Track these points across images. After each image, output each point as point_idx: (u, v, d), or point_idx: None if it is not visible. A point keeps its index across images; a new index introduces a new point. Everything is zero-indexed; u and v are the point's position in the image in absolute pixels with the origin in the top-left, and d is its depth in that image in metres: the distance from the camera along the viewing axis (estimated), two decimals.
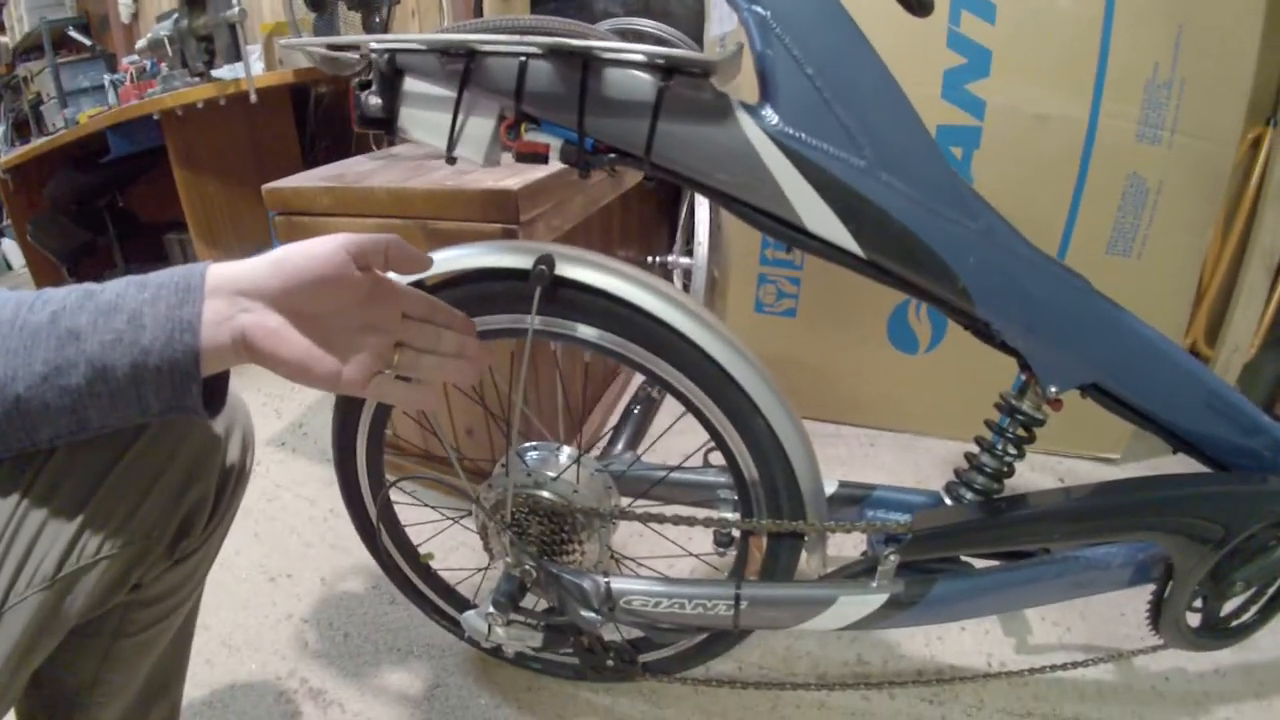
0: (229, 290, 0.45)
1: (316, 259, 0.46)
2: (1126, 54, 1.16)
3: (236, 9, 1.87)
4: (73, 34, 2.83)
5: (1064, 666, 0.85)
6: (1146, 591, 0.77)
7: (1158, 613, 0.76)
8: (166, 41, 1.98)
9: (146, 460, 0.52)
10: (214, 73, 1.98)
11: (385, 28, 1.51)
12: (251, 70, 1.86)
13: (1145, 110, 1.19)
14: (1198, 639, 0.79)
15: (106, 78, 2.58)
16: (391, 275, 0.54)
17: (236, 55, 1.91)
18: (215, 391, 0.49)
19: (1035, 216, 1.25)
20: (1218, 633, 0.80)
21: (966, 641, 1.02)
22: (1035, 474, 1.40)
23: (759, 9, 0.53)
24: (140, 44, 2.11)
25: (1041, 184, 1.24)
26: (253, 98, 1.83)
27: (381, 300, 0.51)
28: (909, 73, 1.16)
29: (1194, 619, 0.78)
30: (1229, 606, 0.79)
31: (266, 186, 1.16)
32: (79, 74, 2.67)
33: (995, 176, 1.24)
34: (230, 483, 0.61)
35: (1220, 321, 1.49)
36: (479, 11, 2.07)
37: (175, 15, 1.97)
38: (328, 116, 2.37)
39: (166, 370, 0.43)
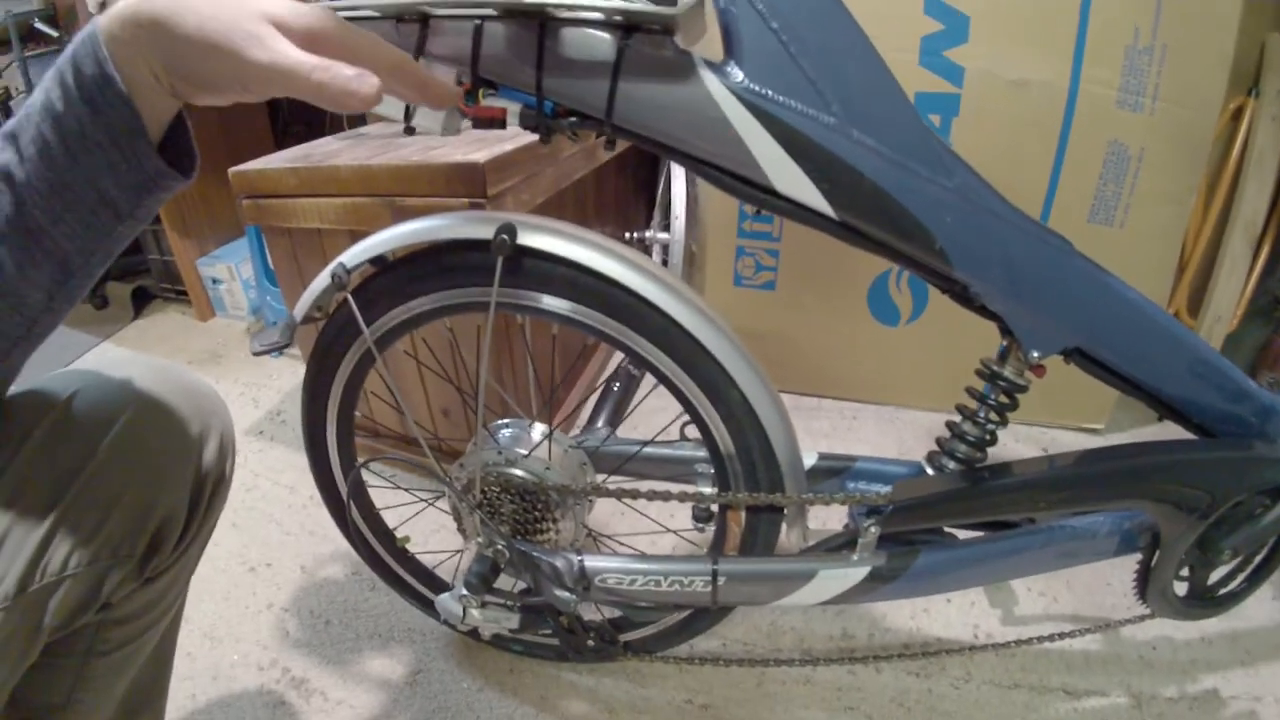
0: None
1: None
2: (1106, 19, 1.14)
3: None
4: (39, 26, 2.76)
5: (1051, 637, 0.84)
6: (1132, 561, 0.76)
7: (1145, 582, 0.76)
8: None
9: (111, 471, 0.50)
10: None
11: None
12: None
13: (1126, 76, 1.17)
14: (1185, 608, 0.79)
15: None
16: None
17: None
18: (181, 153, 0.44)
19: (1016, 184, 1.22)
20: (1205, 601, 0.79)
21: (952, 614, 1.02)
22: (1019, 444, 1.40)
23: None
24: None
25: (1022, 151, 1.23)
26: None
27: None
28: (886, 39, 1.14)
29: (1181, 588, 0.78)
30: (1216, 575, 0.79)
31: (233, 170, 1.13)
32: (47, 67, 2.58)
33: (975, 144, 1.22)
34: (206, 492, 0.57)
35: (1203, 291, 1.49)
36: None
37: None
38: (301, 101, 2.32)
39: (103, 123, 0.38)
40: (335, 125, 1.84)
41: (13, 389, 0.50)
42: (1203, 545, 0.72)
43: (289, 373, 1.75)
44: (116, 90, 0.38)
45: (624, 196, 1.79)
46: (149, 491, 0.52)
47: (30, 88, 2.54)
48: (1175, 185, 1.25)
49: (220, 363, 1.87)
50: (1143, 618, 0.82)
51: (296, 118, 2.32)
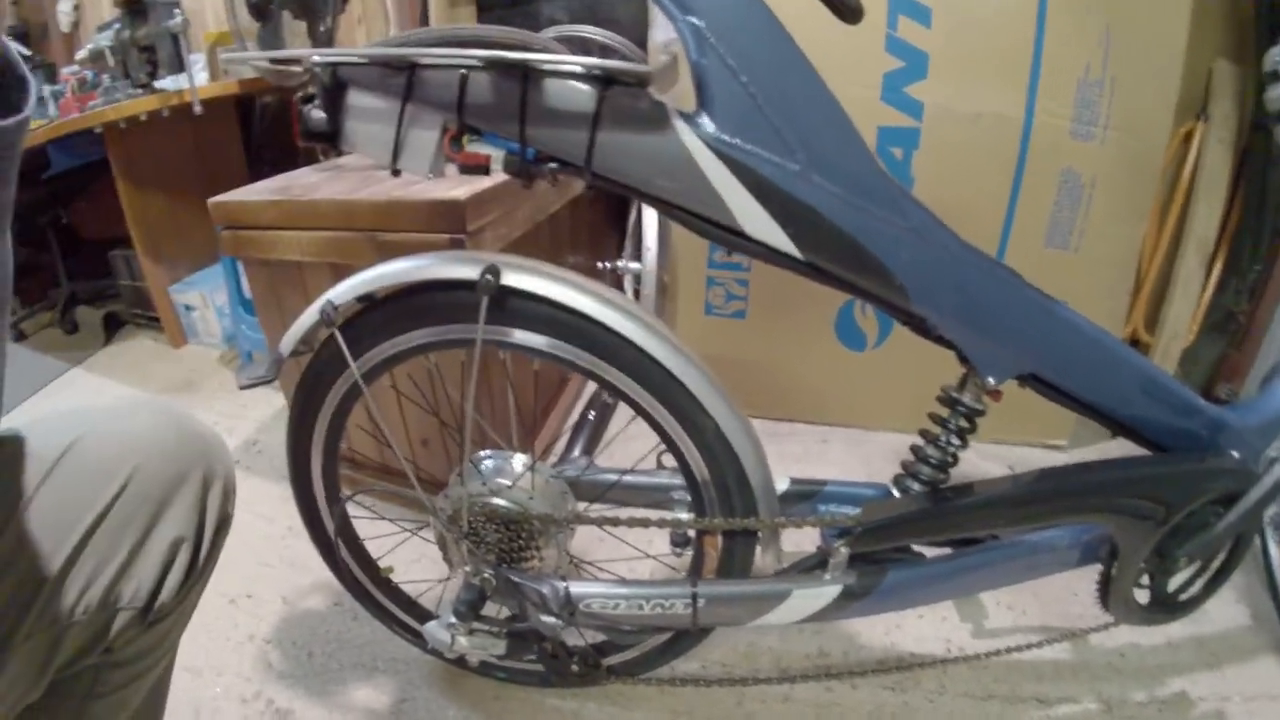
0: None
1: None
2: (1059, 54, 1.21)
3: (179, 19, 1.83)
4: None
5: (1021, 648, 0.86)
6: (1096, 571, 0.79)
7: (1106, 591, 0.79)
8: (108, 52, 1.93)
9: (120, 517, 0.51)
10: (157, 84, 1.93)
11: (330, 37, 1.49)
12: (195, 81, 1.82)
13: (1078, 108, 1.23)
14: (1148, 614, 0.82)
15: (46, 89, 2.48)
16: None
17: (180, 66, 1.87)
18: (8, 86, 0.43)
19: (975, 213, 1.29)
20: (1167, 607, 0.82)
21: (925, 628, 1.05)
22: (985, 462, 1.44)
23: (694, 20, 0.55)
24: (80, 54, 2.05)
25: (980, 181, 1.28)
26: (197, 109, 1.79)
27: None
28: (849, 76, 1.22)
29: (1143, 595, 0.80)
30: (1175, 582, 0.81)
31: (212, 201, 1.14)
32: None
33: (935, 175, 1.28)
34: (209, 535, 0.58)
35: (1159, 309, 1.55)
36: (424, 19, 2.06)
37: (117, 25, 1.92)
38: (273, 126, 2.33)
39: None
40: (309, 154, 1.85)
41: (13, 427, 0.51)
42: (1160, 554, 0.75)
43: (264, 403, 1.74)
44: None
45: (597, 227, 1.82)
46: (156, 538, 0.53)
47: None
48: (1127, 210, 1.31)
49: (194, 391, 1.85)
50: (1109, 625, 0.84)
51: (269, 143, 2.32)
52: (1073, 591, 1.10)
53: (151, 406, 0.59)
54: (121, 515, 0.51)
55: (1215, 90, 1.46)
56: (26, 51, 2.74)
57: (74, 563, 0.49)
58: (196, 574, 0.58)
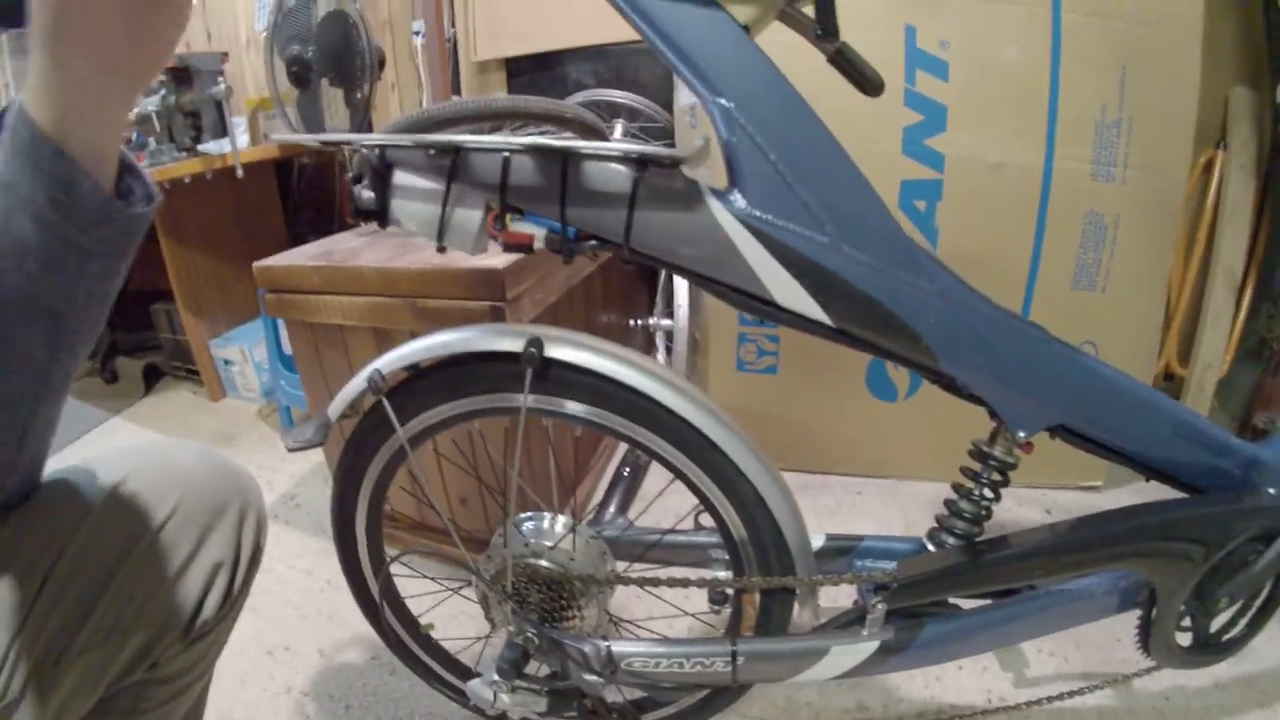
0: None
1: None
2: (1075, 98, 1.23)
3: (223, 86, 1.92)
4: None
5: (1061, 696, 0.86)
6: (1137, 615, 0.78)
7: (1147, 635, 0.78)
8: (154, 117, 2.03)
9: (166, 544, 0.56)
10: (200, 147, 2.02)
11: (367, 103, 1.56)
12: (237, 145, 1.91)
13: (1097, 149, 1.25)
14: (1190, 656, 0.80)
15: None
16: None
17: (223, 130, 1.96)
18: (132, 178, 0.49)
19: (1000, 260, 1.30)
20: (1210, 648, 0.81)
21: (965, 680, 1.03)
22: (1022, 508, 1.42)
23: (723, 101, 0.58)
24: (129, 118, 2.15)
25: (1004, 229, 1.30)
26: (239, 173, 1.88)
27: None
28: (870, 132, 1.25)
29: (1185, 638, 0.79)
30: (1218, 622, 0.80)
31: (257, 265, 1.19)
32: None
33: (959, 225, 1.30)
34: (245, 560, 0.63)
35: (1191, 342, 1.54)
36: (456, 86, 2.14)
37: (162, 91, 2.02)
38: (311, 187, 2.42)
39: (44, 180, 0.42)
40: (345, 214, 1.92)
41: (69, 465, 0.57)
42: (1200, 595, 0.74)
43: (301, 458, 1.77)
44: (48, 144, 0.41)
45: (628, 285, 1.85)
46: (199, 561, 0.58)
47: None
48: (1152, 246, 1.31)
49: (233, 444, 1.90)
50: (1153, 669, 0.83)
51: (307, 204, 2.41)
52: (1115, 637, 1.08)
53: (192, 446, 0.64)
54: (169, 539, 0.56)
55: (1233, 117, 1.47)
56: None
57: (125, 582, 0.54)
58: (233, 598, 0.62)
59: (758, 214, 0.58)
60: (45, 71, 0.41)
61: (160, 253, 1.99)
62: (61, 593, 0.52)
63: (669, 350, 1.39)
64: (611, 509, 0.88)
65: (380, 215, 0.66)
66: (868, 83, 0.62)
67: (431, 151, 0.62)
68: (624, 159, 0.58)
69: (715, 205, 0.58)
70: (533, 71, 2.00)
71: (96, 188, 0.44)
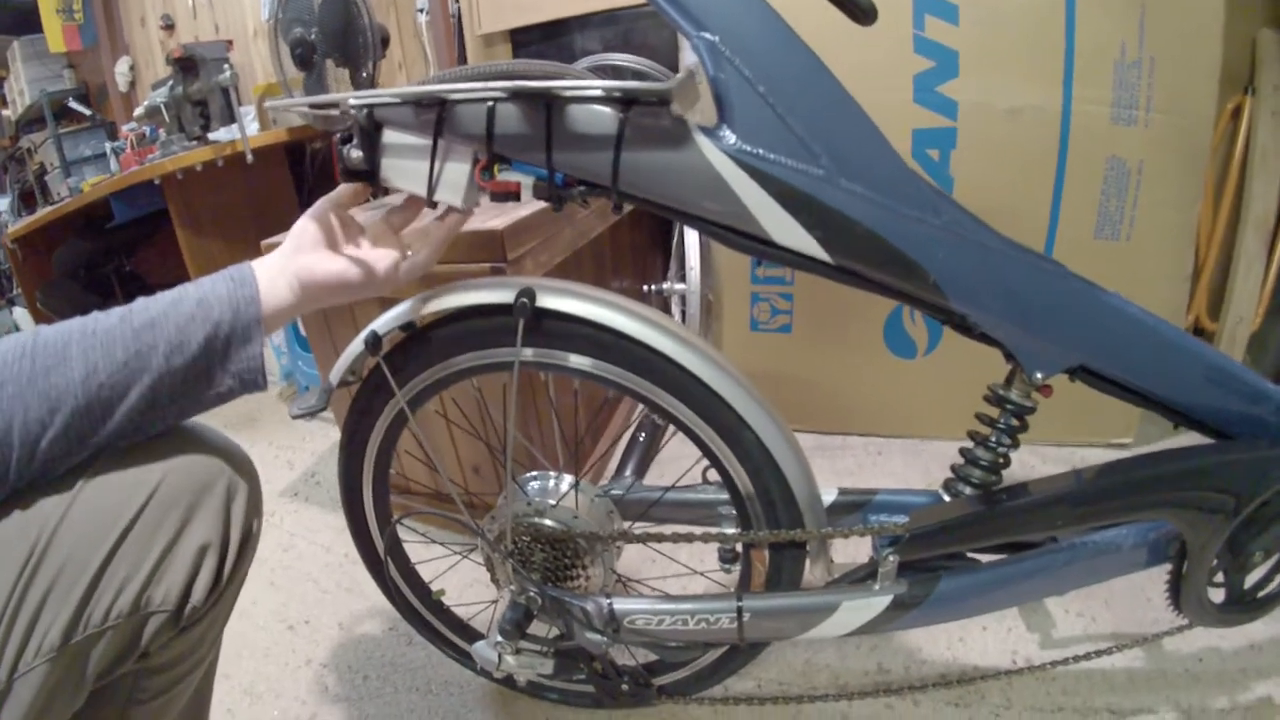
0: (270, 265, 0.60)
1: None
2: (1092, 38, 1.17)
3: (229, 73, 1.93)
4: (73, 105, 2.92)
5: (1089, 656, 0.83)
6: (1166, 571, 0.75)
7: (1178, 592, 0.75)
8: (163, 108, 2.05)
9: (148, 525, 0.53)
10: (210, 135, 2.04)
11: (373, 81, 1.55)
12: (246, 131, 1.92)
13: (1117, 92, 1.19)
14: (1224, 614, 0.77)
15: (107, 145, 2.65)
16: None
17: (231, 117, 1.97)
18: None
19: (1019, 209, 1.26)
20: (1244, 605, 0.77)
21: (989, 640, 1.01)
22: (1047, 466, 1.39)
23: (708, 35, 0.55)
24: (138, 111, 2.18)
25: (1022, 177, 1.25)
26: (249, 158, 1.88)
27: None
28: (879, 81, 1.21)
29: (1218, 594, 0.76)
30: (1252, 578, 0.76)
31: (265, 242, 1.19)
32: (80, 143, 2.76)
33: (975, 174, 1.25)
34: (237, 541, 0.60)
35: (1221, 294, 1.48)
36: (463, 61, 2.13)
37: (170, 82, 2.03)
38: (323, 170, 2.43)
39: (237, 336, 0.55)
40: None
41: None
42: (1233, 549, 0.71)
43: (321, 435, 1.80)
44: (255, 316, 0.57)
45: (640, 250, 1.83)
46: (183, 543, 0.55)
47: (65, 164, 2.68)
48: (1177, 193, 1.26)
49: (255, 426, 1.93)
50: (1184, 629, 0.80)
51: (320, 186, 2.42)
52: (1146, 596, 1.05)
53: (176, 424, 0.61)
54: (151, 521, 0.53)
55: (1261, 61, 1.40)
56: (88, 111, 2.93)
57: (106, 568, 0.51)
58: (223, 582, 0.59)
59: (749, 149, 0.55)
60: (290, 302, 0.61)
61: (177, 243, 2.01)
62: (40, 579, 0.49)
63: (683, 315, 1.37)
64: (628, 471, 0.86)
65: (371, 175, 0.65)
66: (858, 9, 0.59)
67: (417, 106, 0.61)
68: (608, 99, 0.56)
69: (704, 142, 0.55)
70: (540, 42, 1.97)
71: (260, 358, 0.57)
